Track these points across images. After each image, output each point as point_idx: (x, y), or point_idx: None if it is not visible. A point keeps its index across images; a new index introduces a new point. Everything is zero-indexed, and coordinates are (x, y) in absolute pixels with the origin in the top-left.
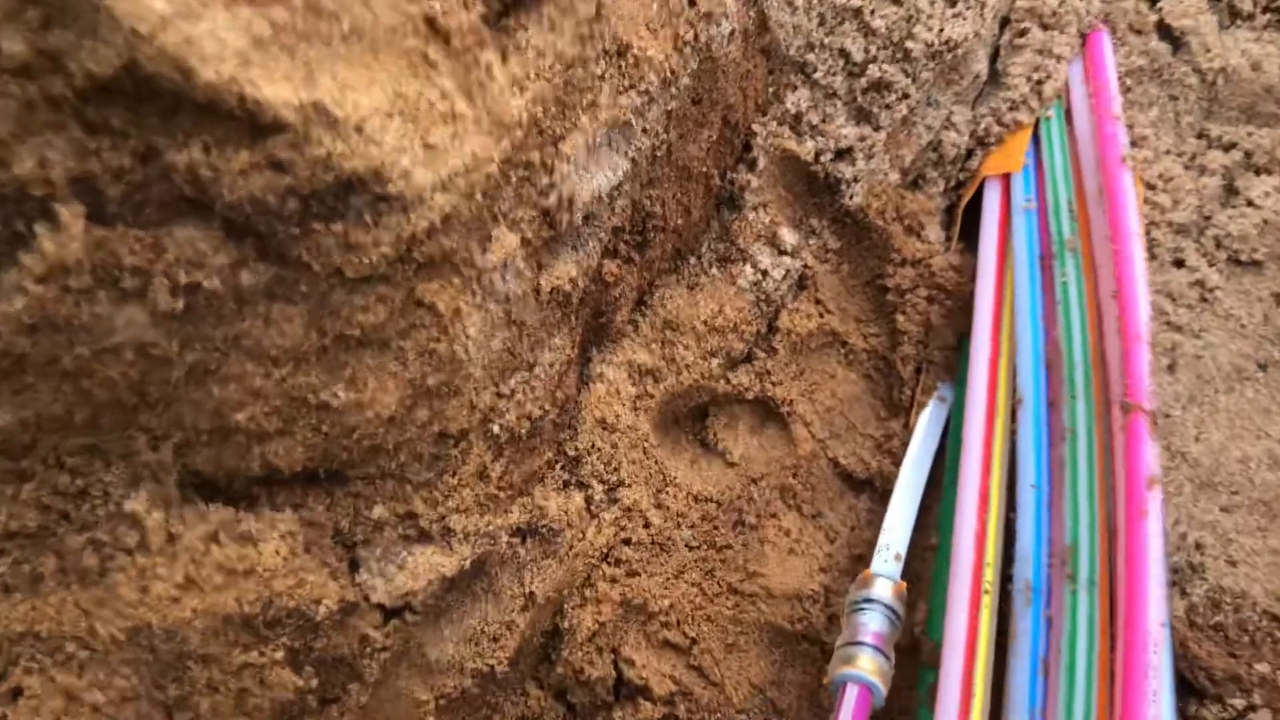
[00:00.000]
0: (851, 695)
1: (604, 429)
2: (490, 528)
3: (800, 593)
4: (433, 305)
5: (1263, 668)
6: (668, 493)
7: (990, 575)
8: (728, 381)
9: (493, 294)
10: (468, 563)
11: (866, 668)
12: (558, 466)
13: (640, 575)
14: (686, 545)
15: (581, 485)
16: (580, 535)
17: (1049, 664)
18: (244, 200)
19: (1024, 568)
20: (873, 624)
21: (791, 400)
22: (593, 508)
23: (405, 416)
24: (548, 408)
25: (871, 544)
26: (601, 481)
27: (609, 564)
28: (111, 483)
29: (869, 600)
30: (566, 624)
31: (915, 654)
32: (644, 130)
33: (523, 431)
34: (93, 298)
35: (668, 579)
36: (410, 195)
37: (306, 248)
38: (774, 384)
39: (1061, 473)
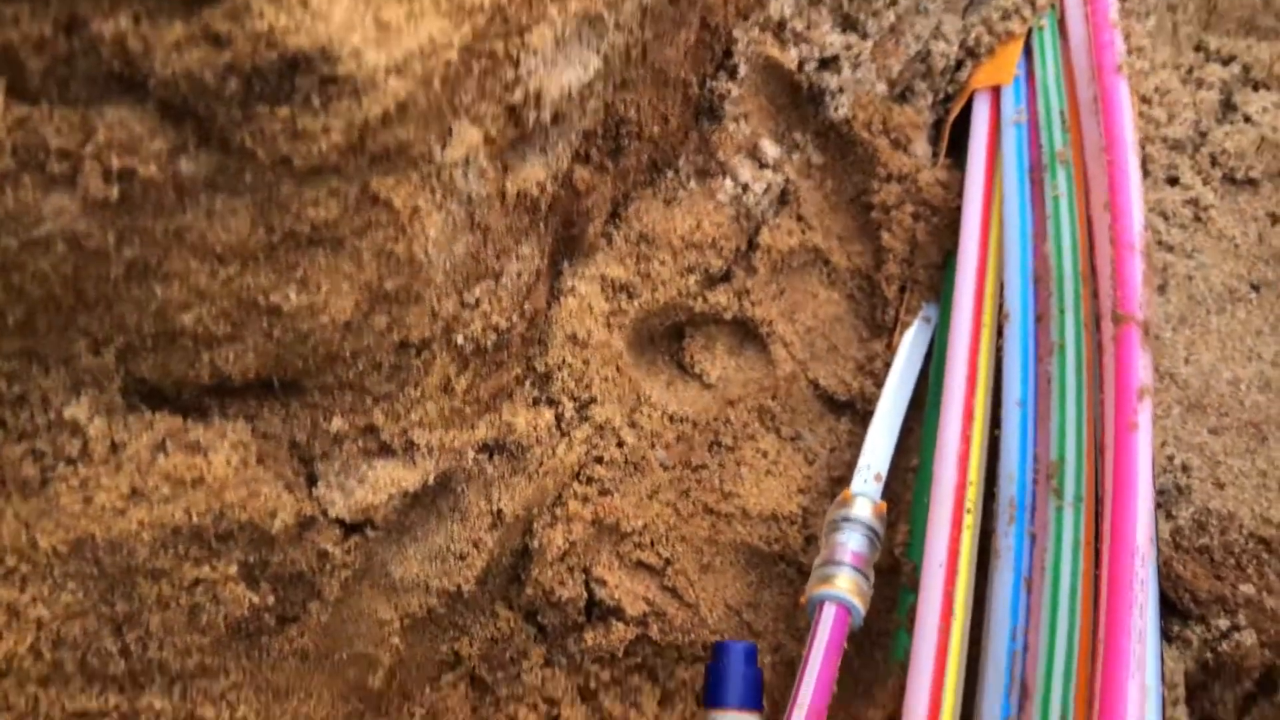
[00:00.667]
0: (829, 615)
1: (575, 345)
2: (456, 443)
3: (777, 514)
4: (389, 202)
5: (1248, 589)
6: (642, 412)
7: (973, 494)
8: (705, 300)
9: (454, 193)
10: (431, 478)
11: (844, 587)
12: (527, 383)
13: (613, 494)
14: (661, 466)
15: (552, 402)
16: (550, 453)
17: (1032, 582)
18: (179, 78)
19: (1008, 485)
20: (851, 543)
21: (771, 320)
22: (563, 425)
23: (362, 323)
24: (515, 320)
25: (851, 466)
26: (572, 399)
27: (580, 482)
28: (51, 389)
29: (848, 520)
30: (536, 543)
31: (895, 576)
32: (617, 25)
33: (489, 344)
34: (17, 183)
35: (641, 499)
36: (362, 78)
37: (250, 134)
38: (753, 303)
39: (1049, 388)
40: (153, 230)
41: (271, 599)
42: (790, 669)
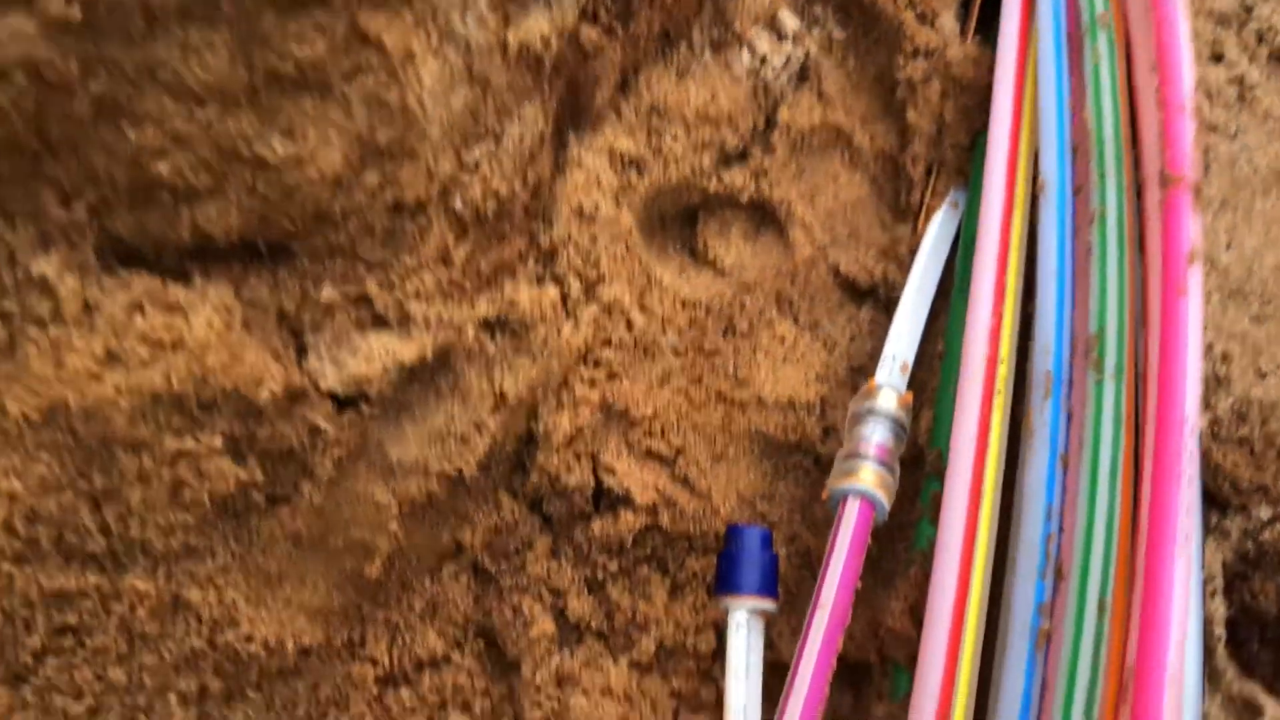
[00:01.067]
0: (852, 510)
1: (582, 220)
2: (455, 317)
3: (794, 401)
4: (380, 43)
5: None
6: (652, 294)
7: (1004, 373)
8: (720, 180)
9: (451, 39)
10: (429, 352)
11: (868, 480)
12: (530, 258)
13: (621, 379)
14: (672, 350)
15: (557, 280)
16: (556, 333)
17: (1069, 459)
18: None
19: (1044, 359)
20: (876, 436)
21: (790, 202)
22: (569, 304)
23: (353, 179)
24: (517, 188)
25: (873, 356)
26: (579, 277)
27: (587, 365)
28: (17, 244)
29: (872, 412)
30: (541, 428)
31: (918, 466)
32: None
33: (489, 211)
34: None
35: (651, 385)
36: None
37: None
38: (771, 185)
39: (1088, 258)
40: (121, 63)
41: (260, 475)
42: (806, 561)
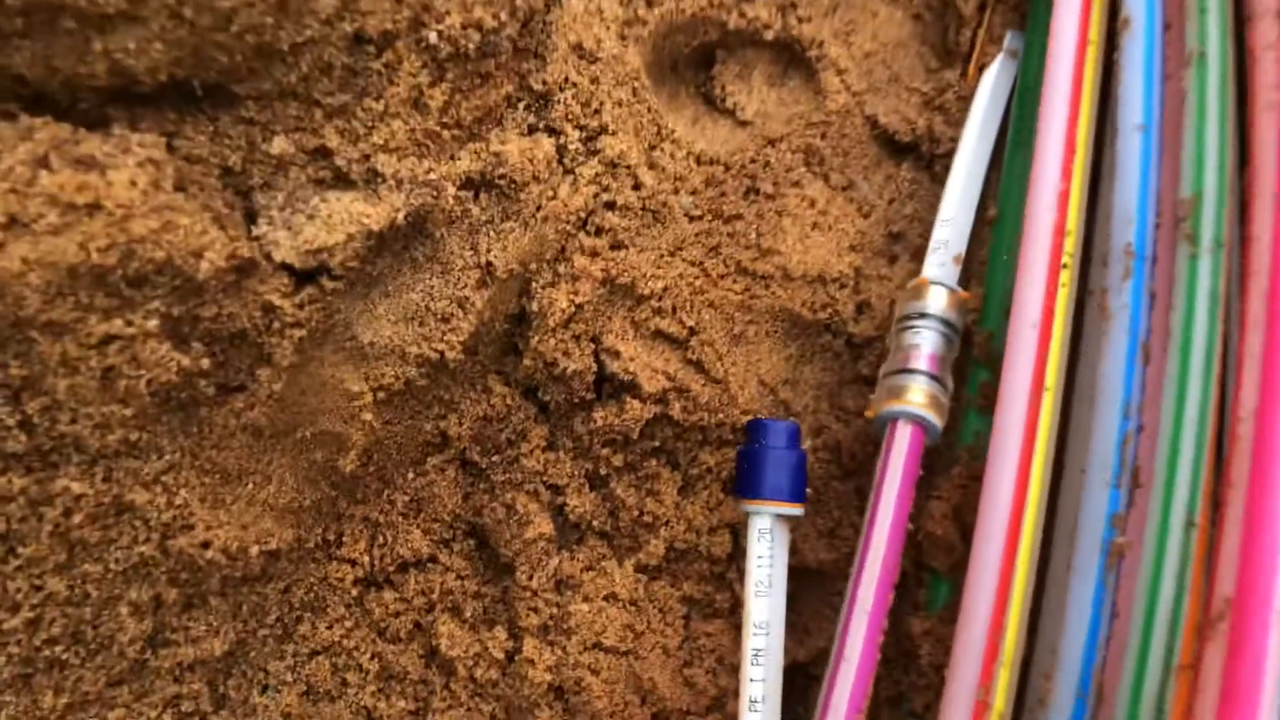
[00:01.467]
0: (903, 437)
1: (582, 59)
2: (431, 174)
3: (824, 274)
4: None
5: None
6: (663, 149)
7: (1071, 245)
8: (741, 14)
9: None
10: (401, 216)
11: (919, 402)
12: (521, 105)
13: (627, 249)
14: (686, 215)
15: (552, 130)
16: (550, 193)
17: (1151, 349)
18: None
19: (1123, 230)
20: (926, 345)
21: (822, 42)
22: (566, 160)
23: (303, 4)
24: (504, 18)
25: (913, 221)
26: (578, 126)
27: (588, 233)
28: None
29: (923, 315)
30: (535, 306)
31: (963, 348)
32: None
33: (470, 46)
34: None
35: (661, 255)
36: None
37: None
38: (800, 20)
39: (1181, 108)
40: None
41: (207, 362)
42: (836, 456)
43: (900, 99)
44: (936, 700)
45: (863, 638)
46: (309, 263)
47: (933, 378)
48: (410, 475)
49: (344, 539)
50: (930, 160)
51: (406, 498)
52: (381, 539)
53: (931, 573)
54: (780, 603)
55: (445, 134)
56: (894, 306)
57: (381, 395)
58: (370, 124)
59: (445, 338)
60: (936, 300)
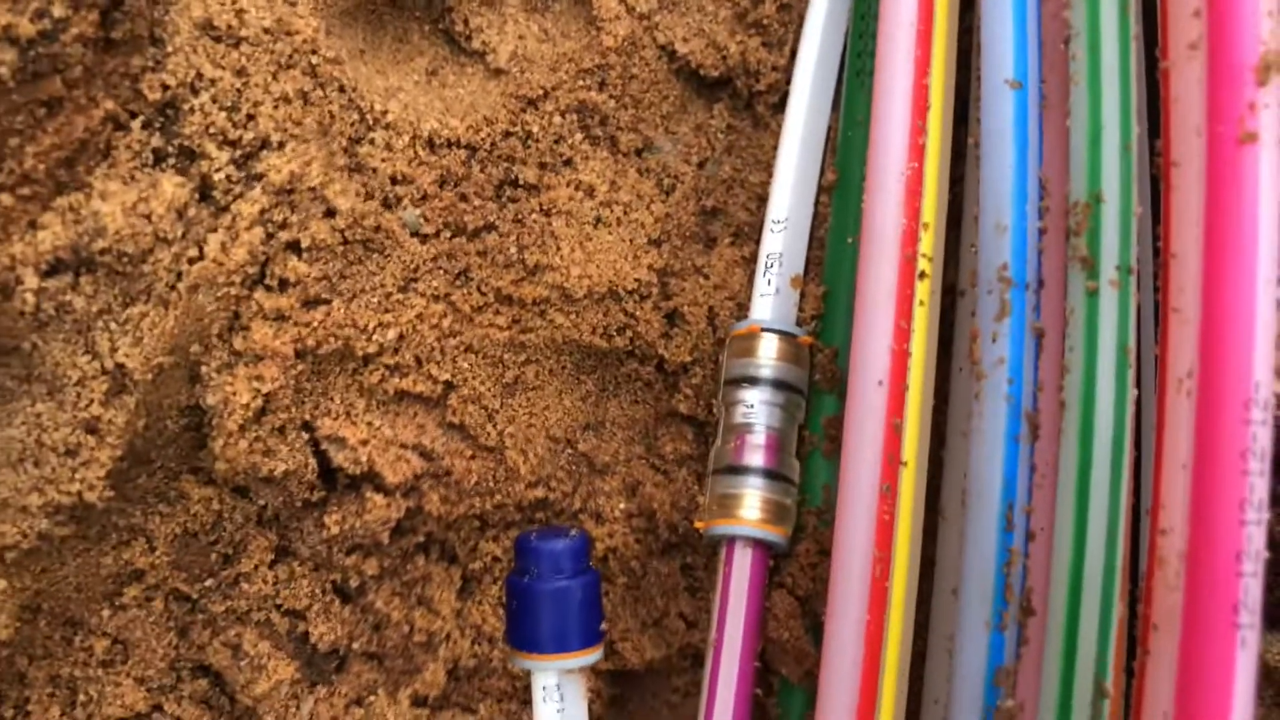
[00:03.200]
0: (743, 564)
1: (218, 41)
2: None
3: (617, 287)
4: None
5: None
6: (371, 144)
7: (929, 244)
8: None
9: None
10: None
11: (753, 519)
12: (136, 124)
13: (329, 301)
14: (413, 234)
15: (187, 154)
16: (195, 252)
17: (1040, 419)
18: None
19: (995, 244)
20: (760, 427)
21: None
22: (214, 197)
23: None
24: (60, 13)
25: (733, 186)
26: (225, 143)
27: (268, 289)
28: None
29: (755, 380)
30: (211, 399)
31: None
32: None
33: (30, 60)
34: None
35: (388, 296)
36: None
37: None
38: None
39: (1066, 63)
40: None
41: None
42: (652, 525)
43: (704, 17)
44: None
45: None
46: None
47: (771, 475)
48: (106, 614)
49: (30, 708)
50: (750, 99)
51: (106, 642)
52: (83, 698)
53: (783, 681)
54: None
55: (5, 200)
56: (719, 347)
57: (11, 555)
58: None
59: (78, 475)
60: (769, 353)
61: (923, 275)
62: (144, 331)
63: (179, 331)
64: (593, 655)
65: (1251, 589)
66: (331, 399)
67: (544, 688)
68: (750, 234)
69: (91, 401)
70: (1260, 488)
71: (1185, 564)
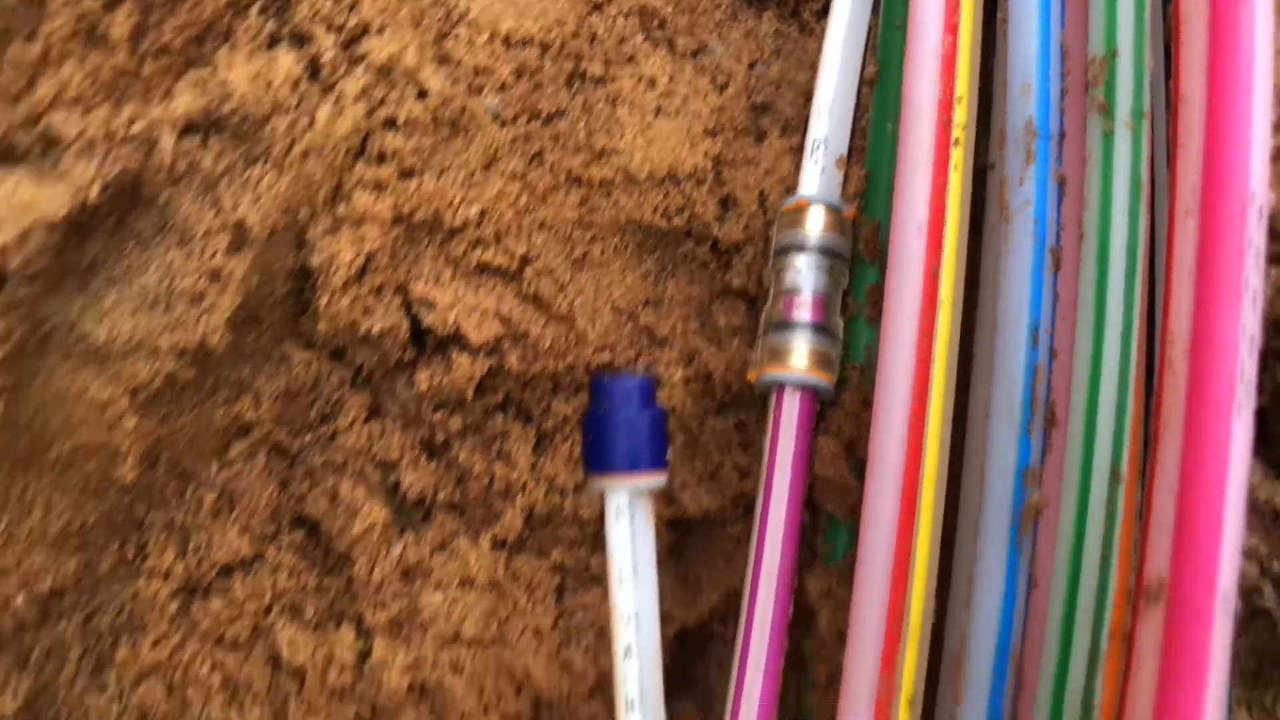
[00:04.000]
0: (791, 408)
1: None
2: (136, 127)
3: (676, 171)
4: None
5: None
6: (456, 38)
7: (962, 115)
8: None
9: None
10: (96, 190)
11: (802, 365)
12: (252, 11)
13: (421, 174)
14: (495, 118)
15: (298, 39)
16: (305, 122)
17: (1062, 253)
18: None
19: (1022, 101)
20: (808, 288)
21: None
22: (322, 75)
23: None
24: None
25: (781, 86)
26: (332, 29)
27: (367, 162)
28: None
29: (803, 247)
30: (316, 260)
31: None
32: None
33: None
34: None
35: (471, 174)
36: None
37: None
38: None
39: None
40: None
41: None
42: (709, 388)
43: None
44: (838, 674)
45: (769, 629)
46: None
47: (818, 329)
48: (214, 469)
49: (148, 550)
50: (795, 7)
51: (214, 494)
52: (194, 543)
53: (829, 518)
54: (650, 587)
55: (147, 69)
56: (769, 227)
57: (141, 395)
58: (30, 74)
59: (202, 320)
60: (816, 225)
61: (957, 142)
62: (262, 191)
63: (291, 194)
64: (659, 479)
65: (1248, 366)
66: (422, 266)
67: (616, 507)
68: (798, 127)
69: (215, 253)
70: (1255, 279)
71: (1189, 347)
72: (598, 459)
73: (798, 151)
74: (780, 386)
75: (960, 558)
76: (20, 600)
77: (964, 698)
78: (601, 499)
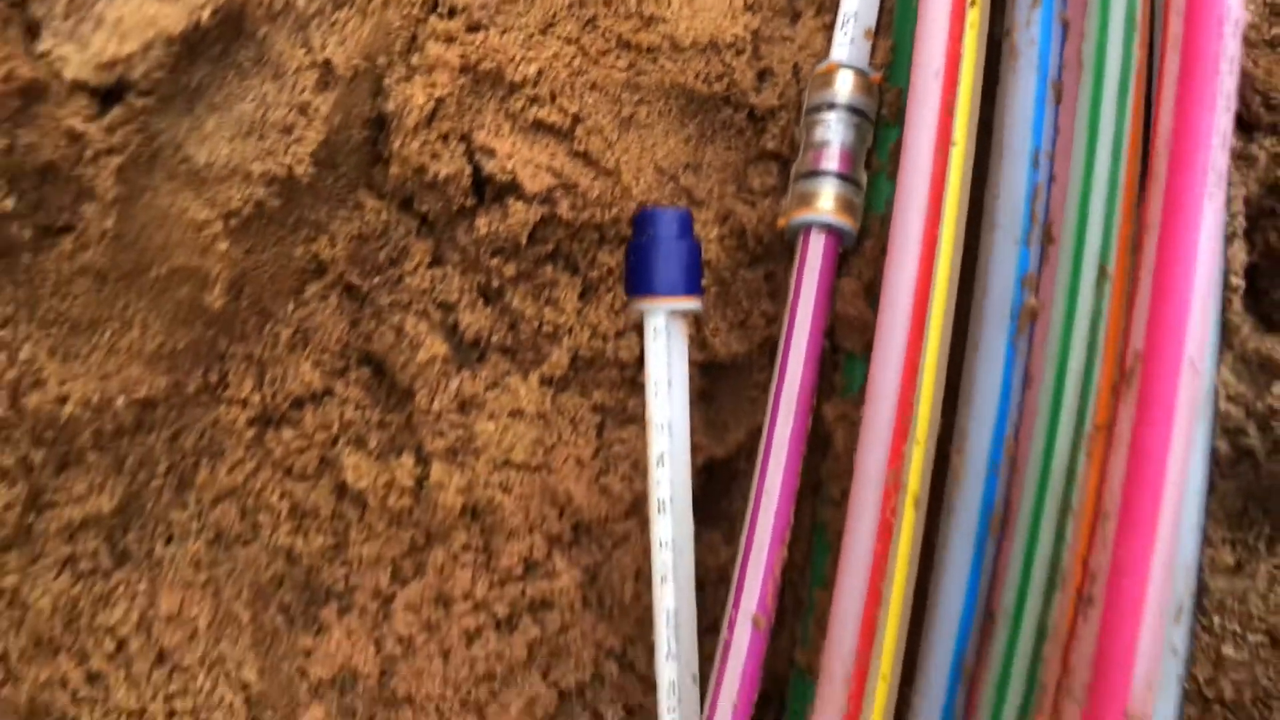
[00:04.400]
0: (816, 247)
1: None
2: None
3: (717, 40)
4: None
5: None
6: None
7: None
8: None
9: None
10: (206, 13)
11: (828, 208)
12: None
13: (488, 29)
14: None
15: None
16: None
17: (1063, 86)
18: None
19: None
20: (836, 141)
21: None
22: None
23: None
24: None
25: None
26: None
27: (439, 16)
28: None
29: (832, 105)
30: (391, 105)
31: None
32: None
33: None
34: None
35: (531, 35)
36: None
37: None
38: None
39: None
40: None
41: (12, 202)
42: (742, 243)
43: None
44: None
45: (785, 451)
46: (106, 79)
47: (844, 178)
48: (290, 307)
49: (229, 380)
50: None
51: (290, 331)
52: (270, 376)
53: (847, 355)
54: (682, 402)
55: None
56: (802, 95)
57: (233, 221)
58: None
59: (290, 150)
60: (845, 86)
61: (973, 3)
62: (347, 34)
63: (371, 40)
64: (694, 303)
65: (1219, 159)
66: (485, 117)
67: (654, 328)
68: (830, 8)
69: (305, 89)
70: (1229, 82)
71: (1171, 140)
72: (639, 283)
73: (829, 30)
74: (807, 228)
75: (968, 354)
76: (120, 403)
77: (962, 479)
78: (641, 321)
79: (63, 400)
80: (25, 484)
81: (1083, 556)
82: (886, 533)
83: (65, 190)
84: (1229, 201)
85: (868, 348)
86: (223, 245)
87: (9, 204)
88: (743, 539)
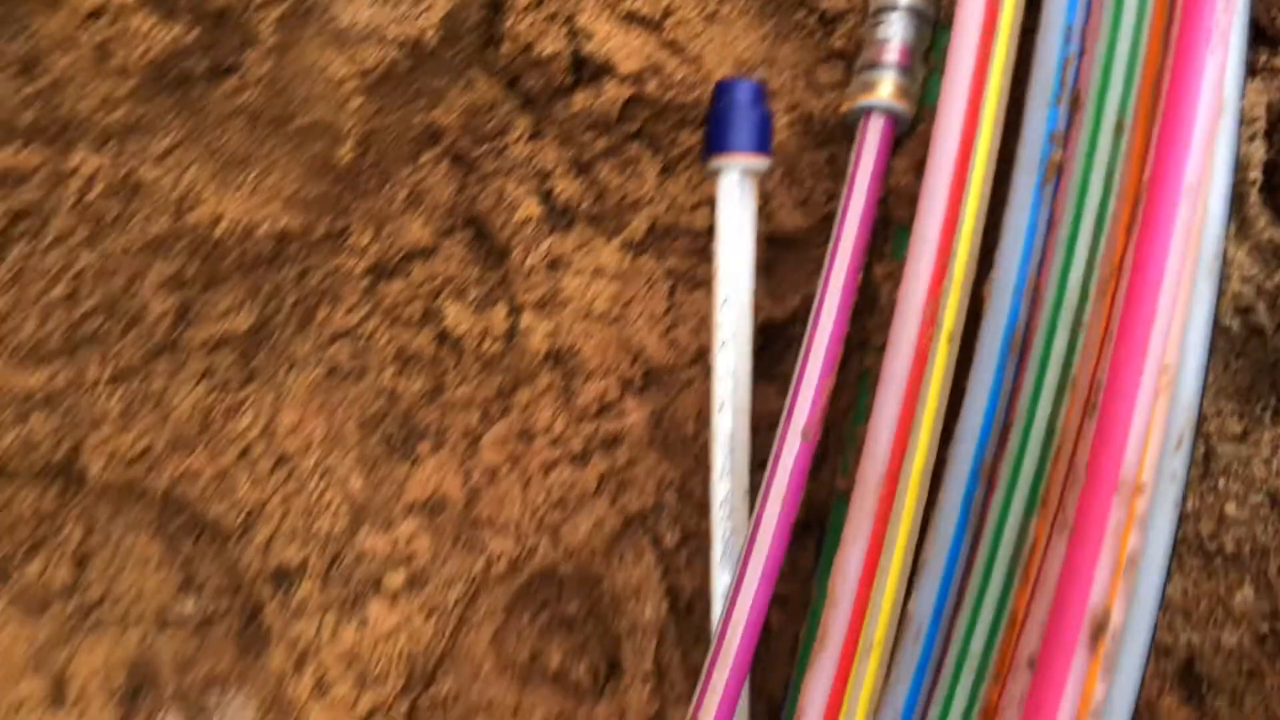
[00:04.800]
0: (875, 128)
1: None
2: None
3: None
4: None
5: None
6: None
7: None
8: None
9: None
10: None
11: (888, 93)
12: None
13: None
14: None
15: None
16: None
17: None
18: None
19: None
20: (897, 38)
21: None
22: None
23: None
24: None
25: None
26: None
27: None
28: None
29: (894, 8)
30: None
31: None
32: None
33: None
34: None
35: None
36: None
37: None
38: None
39: None
40: None
41: (193, 35)
42: (809, 129)
43: None
44: None
45: (835, 309)
46: None
47: (902, 69)
48: (406, 171)
49: (350, 231)
50: None
51: (405, 192)
52: (385, 231)
53: (898, 227)
54: (749, 255)
55: None
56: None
57: (369, 79)
58: None
59: (422, 17)
60: None
61: None
62: None
63: None
64: (764, 161)
65: (1222, 19)
66: (585, 3)
67: (729, 183)
68: None
69: None
70: None
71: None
72: (716, 142)
73: None
74: (867, 112)
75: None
76: (263, 230)
77: (990, 305)
78: (715, 194)
79: (216, 221)
80: (178, 296)
81: (1091, 374)
82: (922, 360)
83: (234, 33)
84: (1249, 106)
85: (912, 218)
86: (356, 102)
87: (192, 36)
88: (797, 367)
